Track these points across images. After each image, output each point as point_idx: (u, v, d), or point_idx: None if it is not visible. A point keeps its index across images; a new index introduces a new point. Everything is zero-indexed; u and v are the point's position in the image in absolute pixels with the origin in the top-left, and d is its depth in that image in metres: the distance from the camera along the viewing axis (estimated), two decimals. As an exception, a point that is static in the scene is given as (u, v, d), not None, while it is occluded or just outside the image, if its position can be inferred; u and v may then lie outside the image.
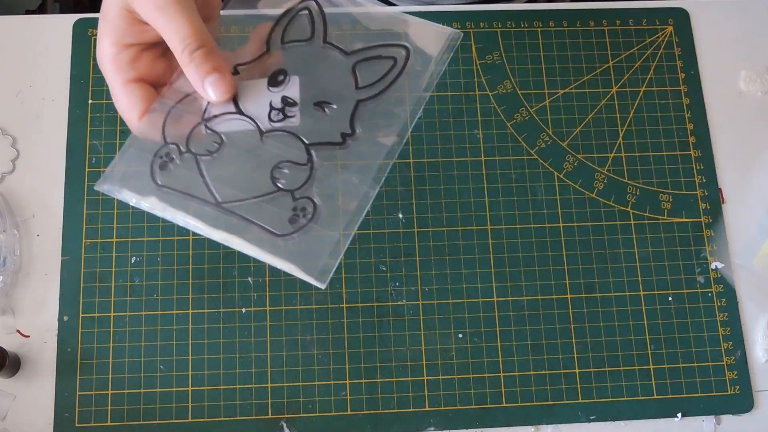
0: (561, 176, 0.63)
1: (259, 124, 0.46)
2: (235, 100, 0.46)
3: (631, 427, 0.58)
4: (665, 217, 0.63)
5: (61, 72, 0.63)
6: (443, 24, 0.52)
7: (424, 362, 0.58)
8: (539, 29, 0.67)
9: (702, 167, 0.64)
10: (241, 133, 0.46)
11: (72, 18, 0.64)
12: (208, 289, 0.59)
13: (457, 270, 0.60)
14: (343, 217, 0.46)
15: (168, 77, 0.48)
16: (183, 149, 0.46)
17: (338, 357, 0.58)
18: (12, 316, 0.58)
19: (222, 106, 0.46)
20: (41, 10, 1.00)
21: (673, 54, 0.67)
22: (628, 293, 0.61)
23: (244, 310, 0.59)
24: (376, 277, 0.60)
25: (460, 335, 0.59)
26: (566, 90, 0.65)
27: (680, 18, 0.68)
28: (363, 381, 0.58)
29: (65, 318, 0.58)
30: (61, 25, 0.64)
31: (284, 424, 0.57)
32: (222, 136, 0.46)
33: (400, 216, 0.61)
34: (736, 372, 0.59)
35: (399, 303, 0.59)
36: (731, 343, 0.60)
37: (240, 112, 0.46)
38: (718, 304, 0.61)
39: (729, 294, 0.61)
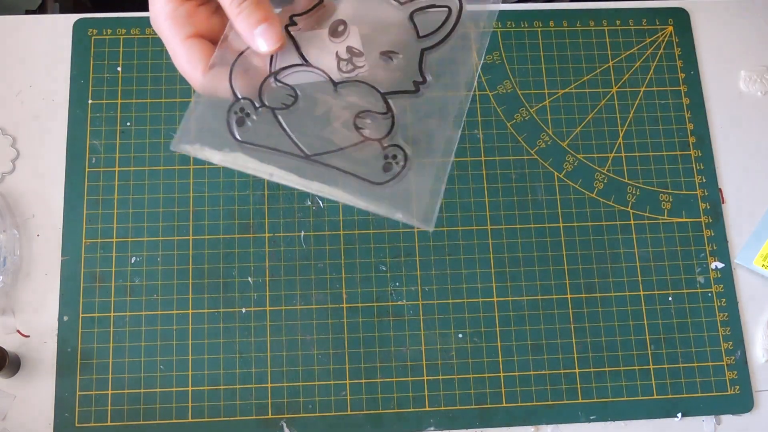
0: (561, 176, 0.63)
1: (330, 75, 0.46)
2: (299, 51, 0.46)
3: (631, 427, 0.58)
4: (665, 217, 0.63)
5: (61, 72, 0.63)
6: None
7: (424, 362, 0.58)
8: (539, 29, 0.67)
9: (702, 167, 0.64)
10: (312, 85, 0.46)
11: (72, 18, 0.64)
12: (208, 289, 0.59)
13: (457, 270, 0.60)
14: (432, 160, 0.46)
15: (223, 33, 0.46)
16: (257, 104, 0.45)
17: (338, 357, 0.58)
18: (12, 316, 0.58)
19: (289, 57, 0.45)
20: (41, 10, 1.00)
21: (673, 54, 0.67)
22: (628, 293, 0.61)
23: (244, 310, 0.59)
24: (376, 277, 0.60)
25: (460, 335, 0.59)
26: (566, 90, 0.65)
27: (680, 18, 0.68)
28: (363, 381, 0.58)
29: (65, 318, 0.58)
30: (61, 25, 0.64)
31: (284, 424, 0.57)
32: (295, 89, 0.45)
33: (400, 216, 0.61)
34: (736, 372, 0.59)
35: (399, 303, 0.59)
36: (731, 343, 0.60)
37: (307, 63, 0.46)
38: (718, 304, 0.61)
39: (729, 294, 0.61)
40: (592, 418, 0.58)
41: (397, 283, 0.60)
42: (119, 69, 0.63)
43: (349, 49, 0.46)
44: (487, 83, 0.65)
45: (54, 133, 0.62)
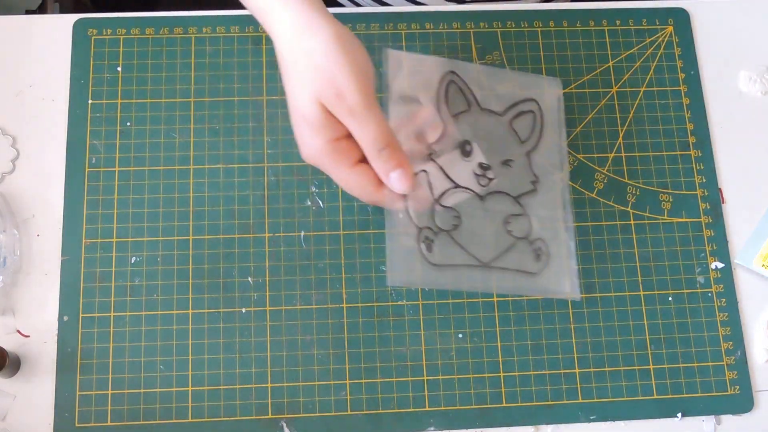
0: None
1: (476, 191, 0.57)
2: (447, 175, 0.56)
3: (631, 427, 0.58)
4: (665, 217, 0.63)
5: (61, 72, 0.63)
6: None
7: (424, 362, 0.58)
8: (539, 29, 0.67)
9: (702, 167, 0.64)
10: (466, 202, 0.56)
11: (72, 18, 0.64)
12: (208, 289, 0.59)
13: (457, 270, 0.60)
14: (565, 242, 0.58)
15: None
16: (435, 229, 0.56)
17: (338, 357, 0.58)
18: (12, 316, 0.58)
19: (441, 182, 0.56)
20: (41, 10, 1.00)
21: (673, 54, 0.67)
22: (628, 293, 0.61)
23: (244, 310, 0.59)
24: (376, 277, 0.60)
25: (460, 335, 0.59)
26: (566, 90, 0.65)
27: (680, 18, 0.68)
28: (363, 381, 0.58)
29: (65, 318, 0.58)
30: (61, 25, 0.64)
31: (284, 424, 0.57)
32: (457, 211, 0.56)
33: (400, 216, 0.61)
34: (736, 372, 0.59)
35: (399, 303, 0.59)
36: (731, 343, 0.60)
37: (457, 184, 0.56)
38: (718, 304, 0.61)
39: (729, 294, 0.61)
40: (592, 418, 0.58)
41: (397, 283, 0.60)
42: (119, 69, 0.63)
43: (481, 165, 0.57)
44: (487, 83, 0.65)
45: (54, 133, 0.62)
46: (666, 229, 0.62)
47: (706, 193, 0.63)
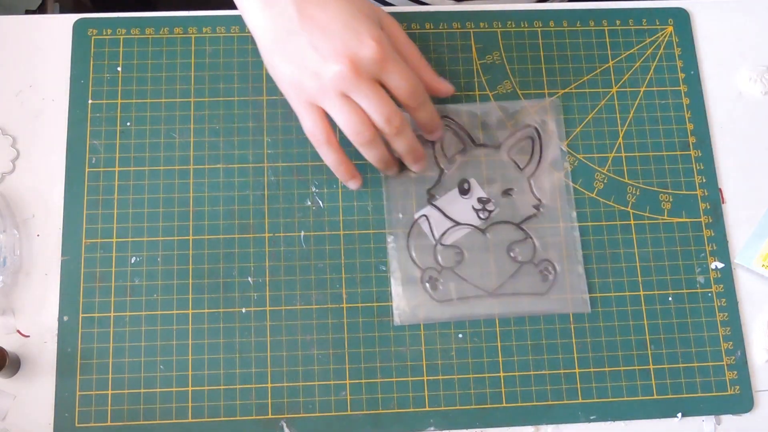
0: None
1: (476, 225, 0.60)
2: (446, 215, 0.60)
3: (631, 427, 0.58)
4: (665, 217, 0.63)
5: (61, 72, 0.63)
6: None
7: (424, 362, 0.58)
8: (539, 29, 0.67)
9: (702, 167, 0.64)
10: (466, 237, 0.60)
11: (72, 18, 0.64)
12: (208, 289, 0.59)
13: (457, 270, 0.60)
14: (572, 258, 0.60)
15: None
16: (438, 268, 0.59)
17: (338, 357, 0.58)
18: (12, 316, 0.58)
19: (441, 223, 0.60)
20: (41, 10, 1.00)
21: (673, 54, 0.67)
22: (628, 293, 0.61)
23: (244, 310, 0.59)
24: (376, 277, 0.60)
25: (460, 335, 0.59)
26: (566, 90, 0.65)
27: (680, 18, 0.68)
28: (363, 381, 0.58)
29: (65, 318, 0.58)
30: (61, 25, 0.64)
31: (284, 424, 0.57)
32: (459, 246, 0.59)
33: (400, 216, 0.61)
34: (736, 372, 0.59)
35: (399, 303, 0.59)
36: (731, 343, 0.60)
37: (456, 222, 0.60)
38: (718, 304, 0.61)
39: (729, 294, 0.61)
40: (592, 418, 0.58)
41: (397, 283, 0.60)
42: (119, 69, 0.63)
43: (480, 200, 0.60)
44: (487, 83, 0.65)
45: (54, 133, 0.62)
46: (666, 229, 0.62)
47: (706, 193, 0.63)
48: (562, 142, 0.62)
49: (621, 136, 0.64)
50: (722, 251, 0.62)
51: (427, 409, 0.58)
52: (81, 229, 0.60)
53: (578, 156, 0.64)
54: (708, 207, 0.63)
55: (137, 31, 0.64)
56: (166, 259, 0.59)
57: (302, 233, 0.61)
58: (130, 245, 0.60)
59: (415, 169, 0.60)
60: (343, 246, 0.60)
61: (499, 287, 0.59)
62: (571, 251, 0.60)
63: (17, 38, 0.64)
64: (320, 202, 0.61)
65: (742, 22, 0.68)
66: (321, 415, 0.57)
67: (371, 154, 0.57)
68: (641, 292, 0.61)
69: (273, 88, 0.63)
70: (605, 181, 0.63)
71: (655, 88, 0.66)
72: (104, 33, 0.64)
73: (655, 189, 0.63)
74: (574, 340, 0.59)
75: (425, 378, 0.58)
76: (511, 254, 0.60)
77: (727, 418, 0.59)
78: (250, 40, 0.65)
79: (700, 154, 0.64)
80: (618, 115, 0.65)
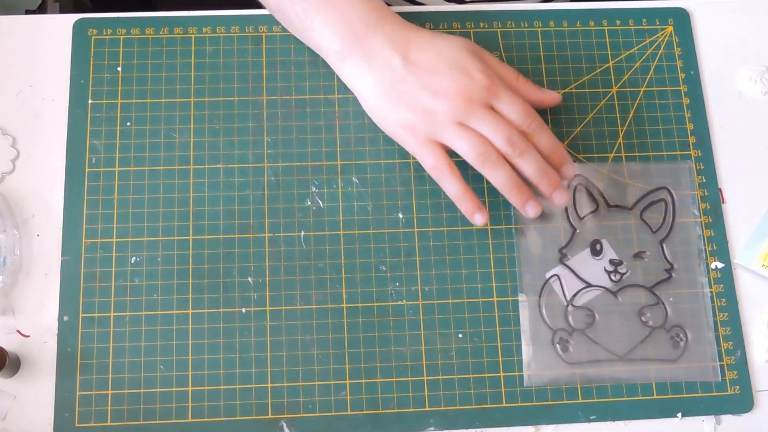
0: (561, 176, 0.63)
1: (608, 287, 0.60)
2: (578, 276, 0.60)
3: (631, 427, 0.58)
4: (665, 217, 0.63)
5: (61, 72, 0.63)
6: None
7: (424, 362, 0.58)
8: (539, 29, 0.67)
9: (702, 167, 0.64)
10: (598, 299, 0.59)
11: (72, 18, 0.64)
12: (208, 289, 0.59)
13: (457, 270, 0.60)
14: (703, 325, 0.60)
15: None
16: (569, 329, 0.59)
17: (338, 357, 0.58)
18: (12, 316, 0.58)
19: (573, 283, 0.60)
20: (41, 10, 1.00)
21: (673, 54, 0.67)
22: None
23: (244, 310, 0.59)
24: (376, 277, 0.60)
25: (460, 335, 0.59)
26: (566, 90, 0.65)
27: (680, 18, 0.68)
28: (363, 381, 0.58)
29: (65, 318, 0.58)
30: (61, 25, 0.64)
31: (284, 424, 0.57)
32: (590, 308, 0.59)
33: (400, 216, 0.61)
34: (736, 372, 0.59)
35: (399, 303, 0.59)
36: (731, 343, 0.60)
37: (588, 284, 0.60)
38: (718, 304, 0.61)
39: (729, 294, 0.61)
40: (592, 418, 0.58)
41: (397, 283, 0.60)
42: (119, 69, 0.63)
43: (612, 261, 0.60)
44: (487, 83, 0.65)
45: (54, 133, 0.62)
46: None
47: (706, 193, 0.63)
48: (694, 205, 0.62)
49: (621, 136, 0.64)
50: (722, 251, 0.62)
51: (427, 409, 0.58)
52: (81, 229, 0.60)
53: (578, 156, 0.64)
54: (708, 207, 0.63)
55: (137, 31, 0.64)
56: (166, 259, 0.59)
57: (302, 233, 0.61)
58: (130, 245, 0.60)
59: (557, 202, 0.57)
60: (343, 246, 0.60)
61: (629, 352, 0.58)
62: (702, 318, 0.60)
63: (17, 38, 0.64)
64: (320, 202, 0.61)
65: (742, 22, 0.68)
66: (321, 415, 0.57)
67: (498, 177, 0.56)
68: (639, 290, 0.61)
69: (273, 88, 0.64)
70: (604, 179, 0.63)
71: (655, 88, 0.66)
72: (104, 33, 0.64)
73: (653, 186, 0.63)
74: (574, 340, 0.59)
75: (425, 378, 0.58)
76: (642, 318, 0.59)
77: (727, 418, 0.59)
78: (250, 40, 0.65)
79: (700, 154, 0.64)
80: (618, 115, 0.65)
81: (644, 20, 0.67)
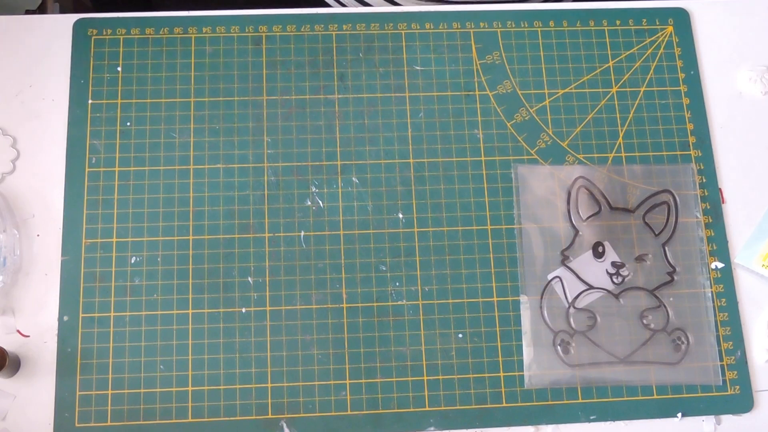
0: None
1: (610, 290, 0.60)
2: (579, 278, 0.59)
3: (631, 427, 0.58)
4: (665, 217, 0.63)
5: (61, 72, 0.63)
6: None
7: (424, 362, 0.58)
8: (539, 29, 0.67)
9: (702, 167, 0.64)
10: (600, 301, 0.59)
11: (72, 18, 0.64)
12: (208, 289, 0.59)
13: (457, 270, 0.60)
14: (705, 327, 0.59)
15: None
16: (570, 331, 0.58)
17: (338, 357, 0.58)
18: (12, 316, 0.58)
19: (575, 285, 0.59)
20: (41, 10, 1.00)
21: (673, 54, 0.67)
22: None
23: (244, 310, 0.59)
24: (376, 277, 0.60)
25: (460, 335, 0.59)
26: (566, 90, 0.65)
27: (680, 18, 0.68)
28: (363, 381, 0.58)
29: (65, 318, 0.58)
30: (61, 25, 0.64)
31: (284, 424, 0.57)
32: (591, 310, 0.59)
33: (400, 216, 0.61)
34: (736, 372, 0.59)
35: (399, 303, 0.59)
36: (731, 343, 0.60)
37: (590, 286, 0.59)
38: (718, 304, 0.61)
39: (729, 294, 0.61)
40: (592, 418, 0.58)
41: (397, 283, 0.60)
42: (119, 69, 0.63)
43: (614, 264, 0.60)
44: (487, 83, 0.65)
45: (54, 133, 0.62)
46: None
47: (706, 193, 0.63)
48: (697, 207, 0.62)
49: (621, 136, 0.64)
50: (722, 251, 0.62)
51: (427, 409, 0.58)
52: (81, 229, 0.60)
53: (578, 156, 0.64)
54: (708, 207, 0.63)
55: (137, 31, 0.64)
56: (166, 259, 0.59)
57: (302, 233, 0.61)
58: (130, 245, 0.60)
59: None
60: (343, 246, 0.60)
61: (630, 354, 0.58)
62: (703, 320, 0.60)
63: (17, 38, 0.64)
64: (320, 202, 0.61)
65: (742, 22, 0.68)
66: (321, 415, 0.57)
67: None
68: (641, 292, 0.61)
69: (273, 88, 0.64)
70: (605, 180, 0.63)
71: (655, 88, 0.66)
72: (104, 33, 0.64)
73: (655, 189, 0.63)
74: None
75: (425, 378, 0.58)
76: (644, 321, 0.59)
77: (727, 418, 0.59)
78: (250, 40, 0.65)
79: (700, 154, 0.64)
80: (618, 115, 0.65)
81: (644, 20, 0.67)
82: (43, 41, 0.64)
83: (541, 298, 0.59)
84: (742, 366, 0.59)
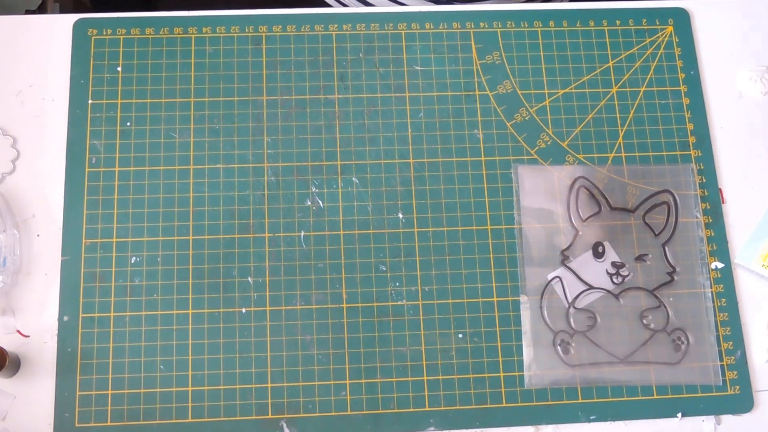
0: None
1: (609, 290, 0.60)
2: (579, 278, 0.59)
3: (631, 427, 0.58)
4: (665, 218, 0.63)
5: (61, 72, 0.63)
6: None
7: (424, 362, 0.58)
8: (539, 29, 0.67)
9: (702, 167, 0.64)
10: (600, 302, 0.59)
11: (72, 18, 0.64)
12: (208, 289, 0.59)
13: (457, 270, 0.60)
14: (705, 327, 0.59)
15: None
16: (570, 332, 0.59)
17: (338, 357, 0.58)
18: (12, 316, 0.58)
19: (575, 285, 0.59)
20: (41, 10, 1.00)
21: (673, 54, 0.67)
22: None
23: (244, 310, 0.59)
24: (376, 277, 0.60)
25: (460, 335, 0.59)
26: (566, 90, 0.65)
27: (680, 18, 0.68)
28: (363, 381, 0.58)
29: (65, 318, 0.58)
30: (61, 25, 0.64)
31: (284, 424, 0.57)
32: (591, 310, 0.59)
33: (400, 216, 0.61)
34: (736, 372, 0.59)
35: (399, 303, 0.59)
36: (731, 343, 0.60)
37: (590, 286, 0.59)
38: (718, 304, 0.61)
39: (729, 294, 0.61)
40: (592, 418, 0.58)
41: (397, 283, 0.60)
42: (119, 69, 0.63)
43: (614, 264, 0.60)
44: (487, 83, 0.65)
45: (54, 133, 0.62)
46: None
47: (706, 193, 0.63)
48: (697, 207, 0.62)
49: (621, 136, 0.64)
50: (722, 251, 0.62)
51: (427, 409, 0.58)
52: (81, 229, 0.60)
53: (578, 156, 0.64)
54: (708, 207, 0.63)
55: (137, 31, 0.64)
56: (166, 259, 0.59)
57: (302, 233, 0.61)
58: (130, 245, 0.60)
59: None
60: (343, 246, 0.60)
61: (630, 354, 0.59)
62: (703, 320, 0.60)
63: (17, 38, 0.64)
64: (320, 202, 0.61)
65: (742, 22, 0.68)
66: (321, 415, 0.57)
67: None
68: (641, 292, 0.61)
69: (273, 88, 0.64)
70: (605, 180, 0.63)
71: (655, 88, 0.66)
72: (104, 33, 0.64)
73: (655, 189, 0.63)
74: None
75: (425, 378, 0.58)
76: (644, 321, 0.59)
77: (727, 418, 0.59)
78: (250, 40, 0.65)
79: (700, 154, 0.64)
80: (618, 115, 0.65)
81: (644, 20, 0.67)
82: (43, 41, 0.64)
83: (541, 298, 0.59)
84: (742, 366, 0.60)
